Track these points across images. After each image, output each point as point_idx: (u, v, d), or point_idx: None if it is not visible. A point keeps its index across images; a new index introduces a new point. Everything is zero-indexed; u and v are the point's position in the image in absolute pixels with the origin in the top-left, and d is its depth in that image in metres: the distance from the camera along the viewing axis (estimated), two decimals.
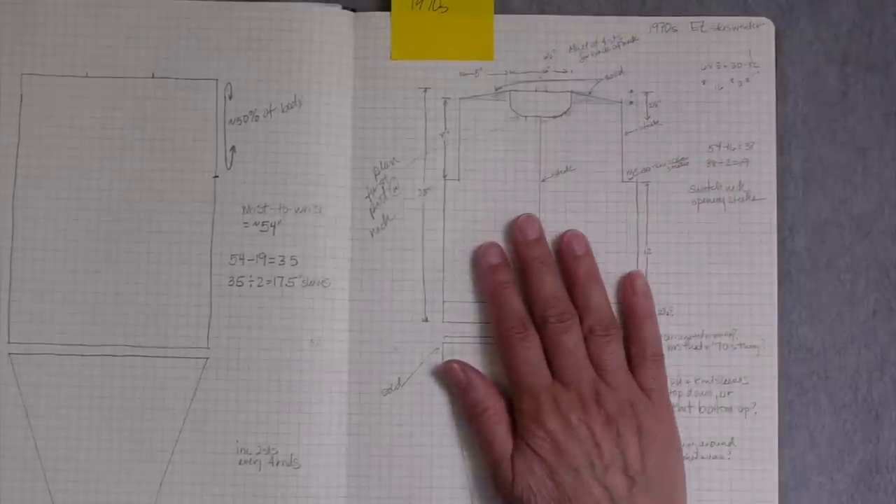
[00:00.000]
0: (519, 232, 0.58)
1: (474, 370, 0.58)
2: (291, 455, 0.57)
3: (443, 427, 0.58)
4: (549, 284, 0.57)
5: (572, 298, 0.57)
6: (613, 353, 0.56)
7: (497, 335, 0.58)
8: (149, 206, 0.59)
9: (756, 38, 0.60)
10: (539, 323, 0.57)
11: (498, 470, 0.56)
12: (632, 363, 0.57)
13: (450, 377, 0.58)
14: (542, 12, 0.61)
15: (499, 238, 0.59)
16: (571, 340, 0.56)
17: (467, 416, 0.58)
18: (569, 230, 0.59)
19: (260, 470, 0.58)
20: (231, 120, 0.59)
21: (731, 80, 0.60)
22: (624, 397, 0.56)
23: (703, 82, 0.60)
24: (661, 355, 0.58)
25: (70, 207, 0.59)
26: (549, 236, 0.59)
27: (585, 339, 0.57)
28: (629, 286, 0.58)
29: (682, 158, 0.60)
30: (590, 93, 0.60)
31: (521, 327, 0.57)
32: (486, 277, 0.58)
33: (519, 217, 0.59)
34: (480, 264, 0.59)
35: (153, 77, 0.60)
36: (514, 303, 0.57)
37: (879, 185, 0.61)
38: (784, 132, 0.60)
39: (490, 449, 0.56)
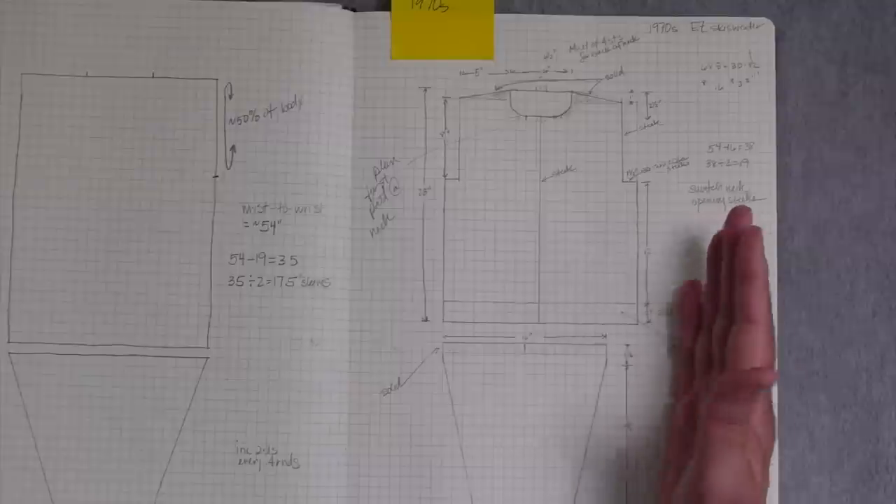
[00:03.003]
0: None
1: None
2: (291, 455, 0.57)
3: (443, 427, 0.58)
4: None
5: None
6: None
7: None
8: (149, 206, 0.59)
9: (756, 38, 0.60)
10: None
11: None
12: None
13: None
14: (542, 12, 0.61)
15: (503, 235, 0.59)
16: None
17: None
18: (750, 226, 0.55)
19: (260, 470, 0.58)
20: (231, 120, 0.59)
21: (731, 80, 0.60)
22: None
23: (703, 82, 0.60)
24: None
25: (70, 207, 0.59)
26: (549, 236, 0.59)
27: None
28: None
29: (682, 158, 0.60)
30: (590, 93, 0.60)
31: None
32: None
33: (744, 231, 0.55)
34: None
35: (153, 77, 0.60)
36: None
37: (879, 185, 0.61)
38: (784, 132, 0.60)
39: None
